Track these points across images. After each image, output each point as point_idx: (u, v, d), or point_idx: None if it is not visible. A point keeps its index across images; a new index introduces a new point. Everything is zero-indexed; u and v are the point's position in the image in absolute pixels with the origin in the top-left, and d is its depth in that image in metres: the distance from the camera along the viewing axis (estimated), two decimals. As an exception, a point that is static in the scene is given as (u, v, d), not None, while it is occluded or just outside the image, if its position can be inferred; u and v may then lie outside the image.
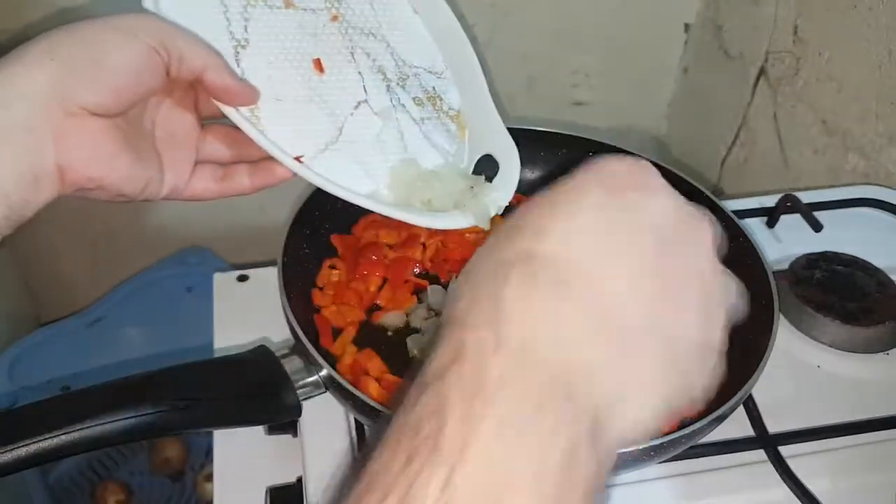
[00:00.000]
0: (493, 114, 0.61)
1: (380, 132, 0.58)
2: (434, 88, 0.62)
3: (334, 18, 0.58)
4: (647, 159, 0.36)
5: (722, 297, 0.34)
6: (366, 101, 0.58)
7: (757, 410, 0.60)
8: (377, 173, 0.57)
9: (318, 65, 0.56)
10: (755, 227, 0.78)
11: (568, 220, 0.32)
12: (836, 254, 0.72)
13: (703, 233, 0.34)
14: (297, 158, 0.53)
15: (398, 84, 0.60)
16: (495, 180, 0.61)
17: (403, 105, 0.59)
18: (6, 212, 0.44)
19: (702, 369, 0.33)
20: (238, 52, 0.53)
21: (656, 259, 0.32)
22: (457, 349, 0.29)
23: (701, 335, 0.33)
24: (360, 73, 0.58)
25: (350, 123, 0.57)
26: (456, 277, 0.33)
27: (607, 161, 0.34)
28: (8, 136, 0.42)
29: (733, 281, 0.35)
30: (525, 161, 0.61)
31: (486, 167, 0.61)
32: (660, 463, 0.55)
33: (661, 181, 0.34)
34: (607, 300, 0.30)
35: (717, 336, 0.33)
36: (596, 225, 0.32)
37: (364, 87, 0.58)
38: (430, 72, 0.62)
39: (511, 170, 0.61)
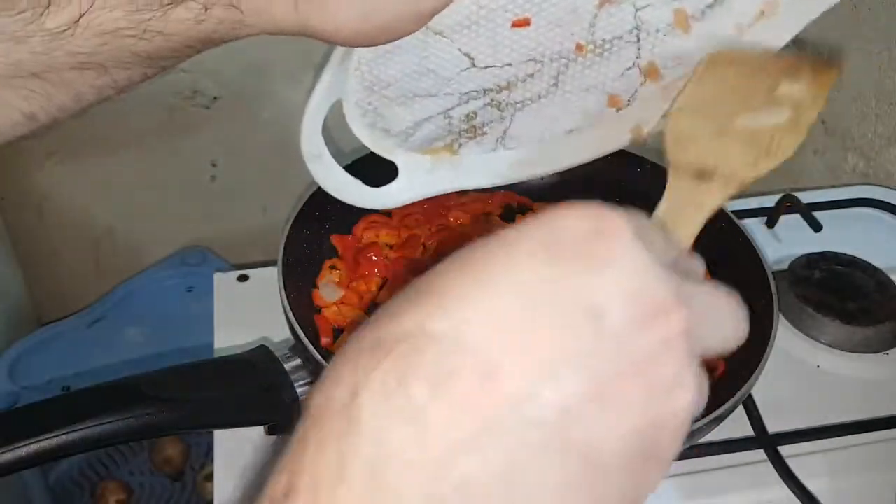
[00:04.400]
0: None
1: None
2: None
3: None
4: (632, 214, 0.27)
5: (682, 401, 0.26)
6: None
7: (756, 410, 0.60)
8: None
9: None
10: (755, 228, 0.78)
11: (480, 292, 0.24)
12: (835, 254, 0.72)
13: (669, 321, 0.25)
14: None
15: None
16: None
17: None
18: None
19: (636, 489, 0.26)
20: None
21: (590, 351, 0.24)
22: (290, 481, 0.24)
23: (637, 447, 0.25)
24: None
25: None
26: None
27: (561, 213, 0.26)
28: None
29: (701, 380, 0.27)
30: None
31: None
32: (659, 463, 0.55)
33: (624, 249, 0.25)
34: (503, 401, 0.23)
35: (663, 448, 0.26)
36: (515, 301, 0.24)
37: None
38: None
39: None
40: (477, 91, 0.54)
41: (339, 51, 0.50)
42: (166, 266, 1.21)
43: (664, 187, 0.70)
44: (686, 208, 0.35)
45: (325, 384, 0.25)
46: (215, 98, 1.07)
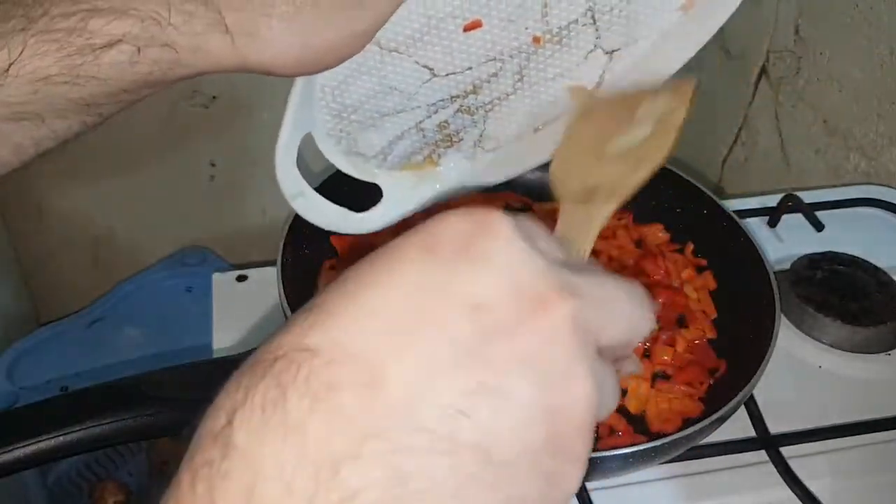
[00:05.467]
0: None
1: None
2: None
3: None
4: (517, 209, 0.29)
5: (578, 390, 0.25)
6: None
7: (758, 411, 0.60)
8: None
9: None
10: (756, 227, 0.78)
11: (362, 301, 0.24)
12: (837, 254, 0.72)
13: (552, 312, 0.25)
14: None
15: None
16: None
17: None
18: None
19: (551, 486, 0.25)
20: None
21: (473, 346, 0.24)
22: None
23: (538, 441, 0.24)
24: None
25: None
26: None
27: (441, 216, 0.26)
28: None
29: (608, 372, 0.27)
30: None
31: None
32: (661, 464, 0.55)
33: (503, 245, 0.25)
34: (385, 409, 0.23)
35: (569, 442, 0.25)
36: (396, 304, 0.24)
37: None
38: None
39: None
40: (444, 100, 0.54)
41: (297, 85, 0.50)
42: (165, 266, 1.21)
43: (662, 184, 0.70)
44: (579, 224, 0.38)
45: (205, 416, 0.24)
46: (214, 98, 1.07)
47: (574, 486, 0.25)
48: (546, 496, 0.25)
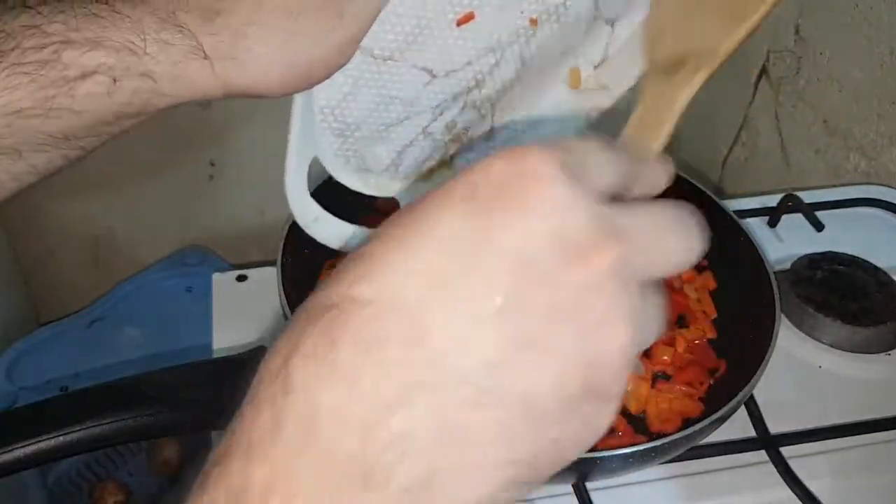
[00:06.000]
0: None
1: None
2: None
3: None
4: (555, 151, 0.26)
5: (618, 339, 0.25)
6: None
7: (758, 411, 0.60)
8: None
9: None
10: (756, 227, 0.78)
11: (406, 252, 0.25)
12: (837, 254, 0.72)
13: (596, 259, 0.24)
14: None
15: None
16: None
17: None
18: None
19: (584, 429, 0.26)
20: None
21: (516, 298, 0.24)
22: (227, 445, 0.24)
23: (576, 389, 0.25)
24: None
25: None
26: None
27: (486, 161, 0.25)
28: None
29: (650, 305, 0.27)
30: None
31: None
32: (661, 464, 0.55)
33: (545, 188, 0.25)
34: (431, 361, 0.23)
35: (605, 386, 0.25)
36: (439, 256, 0.24)
37: None
38: None
39: None
40: (447, 100, 0.53)
41: (296, 111, 0.49)
42: (165, 266, 1.21)
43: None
44: (660, 108, 0.35)
45: (265, 358, 0.26)
46: (215, 97, 1.07)
47: (607, 423, 0.26)
48: (580, 435, 0.26)
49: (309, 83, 0.45)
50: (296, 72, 0.43)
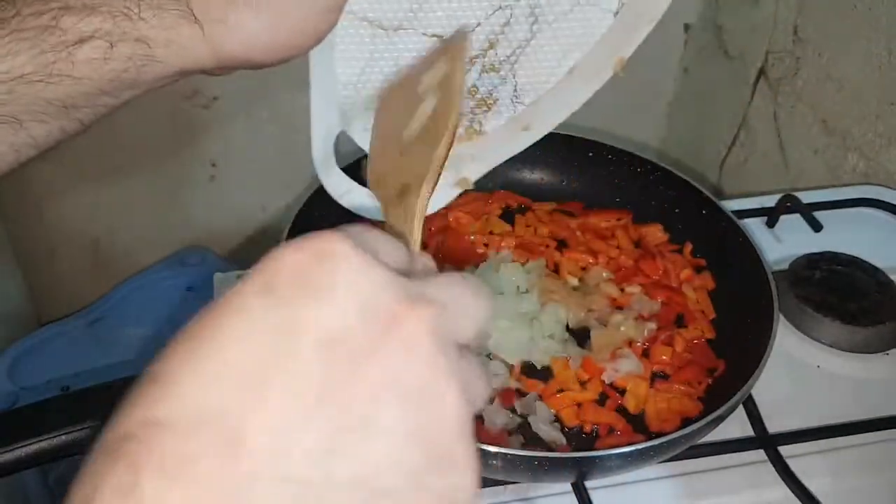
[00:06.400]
0: None
1: None
2: None
3: None
4: (354, 232, 0.26)
5: (448, 397, 0.24)
6: None
7: (757, 410, 0.60)
8: None
9: None
10: (755, 228, 0.78)
11: (206, 362, 0.23)
12: (835, 254, 0.72)
13: (406, 325, 0.24)
14: None
15: None
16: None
17: None
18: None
19: (445, 495, 0.24)
20: None
21: (332, 381, 0.23)
22: None
23: (419, 458, 0.24)
24: None
25: None
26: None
27: (276, 252, 0.25)
28: None
29: (471, 365, 0.27)
30: (523, 162, 0.61)
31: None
32: (660, 463, 0.55)
33: (345, 267, 0.24)
34: (250, 466, 0.22)
35: (451, 449, 0.24)
36: (240, 360, 0.23)
37: None
38: None
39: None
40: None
41: (315, 91, 0.50)
42: (166, 266, 1.21)
43: (662, 185, 0.70)
44: (403, 221, 0.38)
45: (69, 499, 0.24)
46: (215, 98, 1.07)
47: (469, 494, 0.25)
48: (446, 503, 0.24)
49: (294, 51, 0.46)
50: (281, 37, 0.44)
